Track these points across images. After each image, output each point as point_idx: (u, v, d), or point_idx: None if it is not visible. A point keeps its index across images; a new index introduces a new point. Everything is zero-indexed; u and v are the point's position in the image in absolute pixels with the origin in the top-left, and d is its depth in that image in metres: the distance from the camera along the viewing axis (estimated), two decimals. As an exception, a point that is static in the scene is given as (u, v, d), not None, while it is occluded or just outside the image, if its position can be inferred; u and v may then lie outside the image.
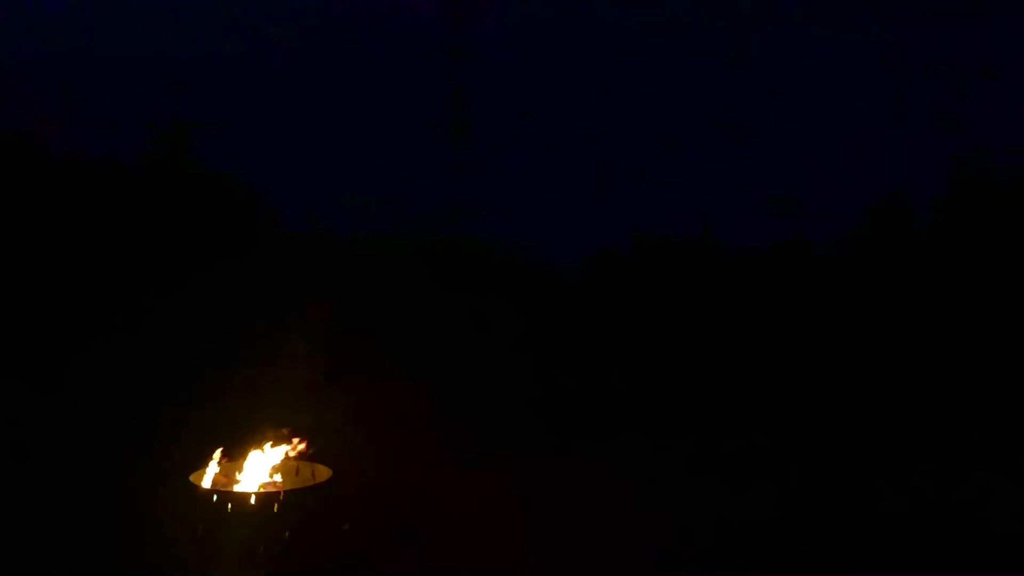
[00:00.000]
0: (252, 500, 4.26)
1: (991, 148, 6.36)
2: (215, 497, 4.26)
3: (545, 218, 7.10)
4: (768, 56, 6.56)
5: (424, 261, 7.00)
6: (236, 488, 4.37)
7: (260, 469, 4.47)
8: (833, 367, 6.50)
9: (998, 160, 6.39)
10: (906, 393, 6.27)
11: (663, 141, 6.86)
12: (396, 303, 6.51)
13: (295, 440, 4.53)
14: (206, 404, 5.19)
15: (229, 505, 4.25)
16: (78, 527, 4.49)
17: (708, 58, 6.69)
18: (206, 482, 4.36)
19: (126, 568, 4.21)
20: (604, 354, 6.72)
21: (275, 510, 4.23)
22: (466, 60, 7.08)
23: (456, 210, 7.16)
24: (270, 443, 4.50)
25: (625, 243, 7.07)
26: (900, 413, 6.14)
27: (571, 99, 7.04)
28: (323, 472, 4.49)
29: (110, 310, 6.19)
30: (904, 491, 5.34)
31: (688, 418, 6.17)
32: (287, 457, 4.49)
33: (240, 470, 4.46)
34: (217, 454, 4.48)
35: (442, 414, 5.82)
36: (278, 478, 4.46)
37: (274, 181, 7.16)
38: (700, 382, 6.56)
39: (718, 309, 6.82)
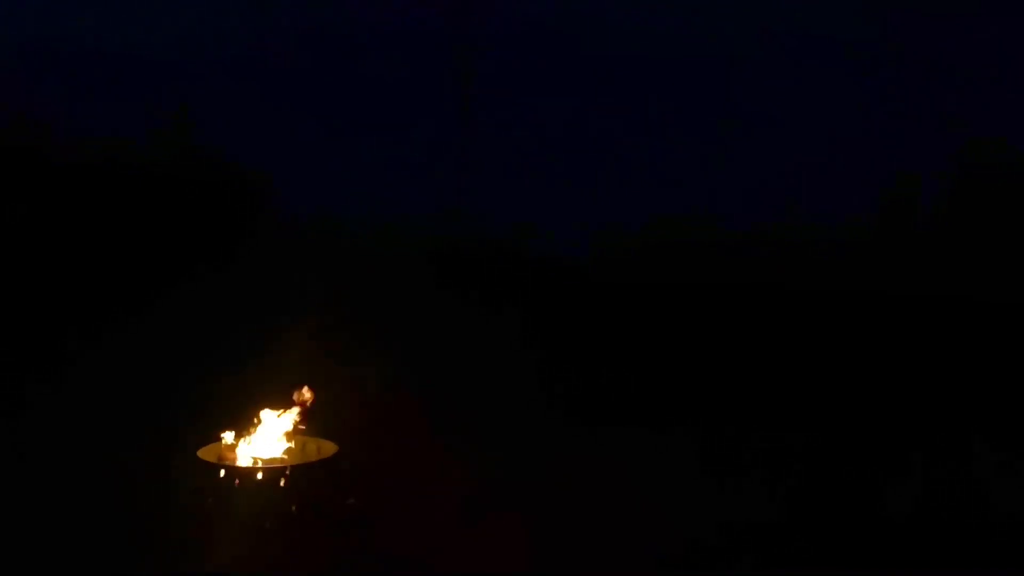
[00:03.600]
0: (259, 475, 4.29)
1: (996, 144, 6.40)
2: (222, 472, 4.29)
3: (547, 211, 7.11)
4: (771, 51, 6.61)
5: (425, 252, 7.03)
6: (243, 463, 4.40)
7: (267, 444, 4.50)
8: (834, 366, 6.52)
9: (1004, 157, 6.43)
10: (906, 392, 6.29)
11: (666, 135, 6.90)
12: (397, 292, 6.53)
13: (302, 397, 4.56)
14: (212, 382, 5.20)
15: (236, 480, 4.28)
16: (85, 504, 4.49)
17: (711, 51, 6.72)
18: (213, 457, 4.39)
19: (133, 543, 4.21)
20: (605, 349, 6.74)
21: (282, 484, 4.26)
22: (471, 51, 7.12)
23: (458, 203, 7.18)
24: (277, 413, 4.53)
25: (627, 237, 7.08)
26: (901, 412, 6.16)
27: (574, 92, 7.08)
28: (328, 447, 4.52)
29: (115, 294, 6.20)
30: (905, 489, 5.35)
31: (690, 416, 6.19)
32: (297, 409, 4.53)
33: (247, 445, 4.48)
34: (225, 430, 4.52)
35: (441, 404, 5.83)
36: (286, 446, 4.50)
37: (276, 169, 7.16)
38: (701, 380, 6.58)
39: (719, 306, 6.85)
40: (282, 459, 4.44)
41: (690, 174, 6.82)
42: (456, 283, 6.72)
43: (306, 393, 4.56)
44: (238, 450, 4.46)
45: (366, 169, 7.06)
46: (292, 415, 4.54)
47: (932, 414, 6.10)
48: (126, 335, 5.80)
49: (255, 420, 4.54)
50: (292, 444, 4.54)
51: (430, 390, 5.87)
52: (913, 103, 6.38)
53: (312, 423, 4.59)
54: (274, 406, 4.56)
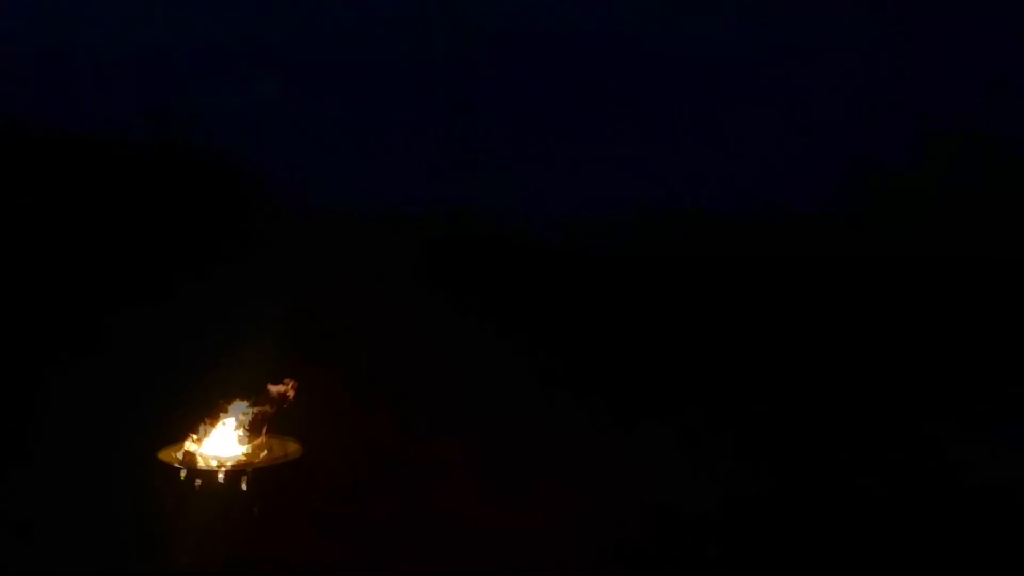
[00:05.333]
0: (220, 476, 4.22)
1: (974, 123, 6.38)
2: (183, 474, 4.23)
3: (539, 202, 7.08)
4: (755, 40, 6.58)
5: (419, 244, 6.96)
6: (206, 464, 4.33)
7: (231, 445, 4.43)
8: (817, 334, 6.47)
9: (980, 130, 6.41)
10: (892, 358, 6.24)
11: (659, 119, 6.87)
12: (388, 281, 6.47)
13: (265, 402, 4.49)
14: (177, 384, 5.11)
15: (197, 481, 4.21)
16: (49, 506, 4.44)
17: (694, 49, 6.72)
18: (175, 459, 4.33)
19: (97, 545, 4.15)
20: (582, 328, 6.68)
21: (243, 486, 4.20)
22: (470, 37, 7.04)
23: (454, 197, 7.14)
24: (240, 413, 4.45)
25: (615, 225, 7.04)
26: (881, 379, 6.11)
27: (571, 80, 7.03)
28: (293, 448, 4.44)
29: (87, 291, 6.12)
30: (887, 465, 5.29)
31: (674, 394, 6.13)
32: (258, 420, 4.45)
33: (211, 447, 4.41)
34: (188, 432, 4.45)
35: (422, 392, 5.77)
36: (250, 446, 4.43)
37: (271, 166, 7.12)
38: (688, 357, 6.51)
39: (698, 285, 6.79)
40: (245, 460, 4.37)
41: (679, 166, 6.78)
42: (448, 274, 6.69)
43: (280, 388, 4.49)
44: (201, 451, 4.39)
45: (363, 164, 7.01)
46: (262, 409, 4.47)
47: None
48: (88, 334, 5.73)
49: (220, 421, 4.47)
50: (257, 444, 4.47)
51: (413, 381, 5.82)
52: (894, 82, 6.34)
53: (280, 423, 4.52)
54: (239, 403, 4.49)
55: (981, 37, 6.40)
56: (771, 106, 6.62)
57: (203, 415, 4.48)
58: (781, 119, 6.57)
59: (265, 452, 4.44)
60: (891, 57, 6.40)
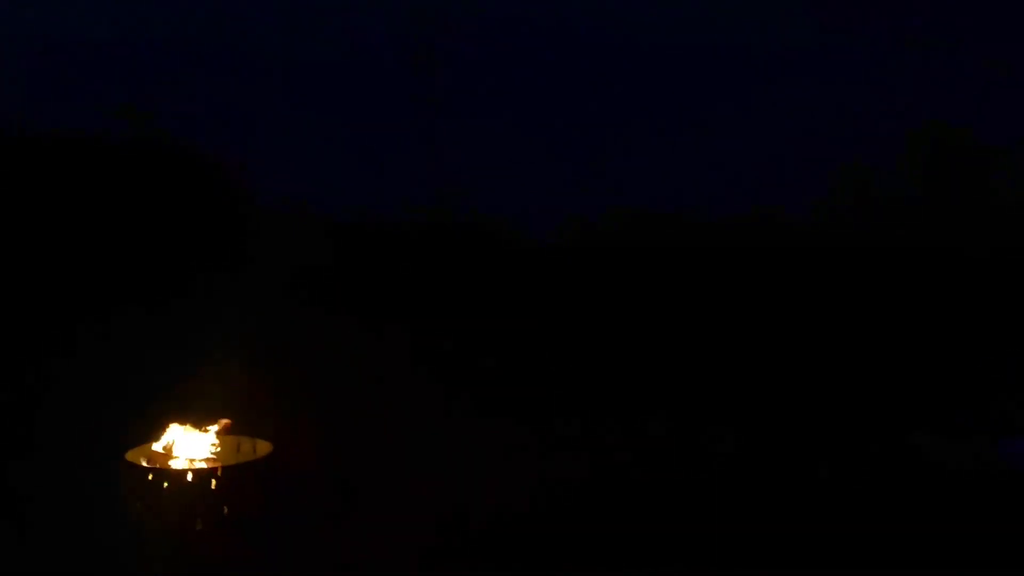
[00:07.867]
0: (189, 477, 4.13)
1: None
2: (150, 475, 4.14)
3: (518, 200, 7.02)
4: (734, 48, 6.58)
5: (393, 241, 6.90)
6: (174, 465, 4.24)
7: (199, 445, 4.34)
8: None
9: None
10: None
11: (634, 129, 6.83)
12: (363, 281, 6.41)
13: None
14: (143, 381, 5.04)
15: (165, 483, 4.12)
16: (13, 510, 4.36)
17: (676, 47, 6.67)
18: (142, 460, 4.24)
19: (62, 550, 4.08)
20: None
21: (213, 486, 4.11)
22: (443, 31, 7.00)
23: (428, 193, 7.07)
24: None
25: (595, 227, 7.00)
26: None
27: (550, 74, 6.98)
28: (264, 447, 4.36)
29: (56, 286, 6.03)
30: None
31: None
32: (220, 429, 4.37)
33: (179, 447, 4.33)
34: (156, 432, 4.37)
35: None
36: (219, 446, 4.35)
37: (240, 159, 7.04)
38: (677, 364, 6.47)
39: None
40: (214, 460, 4.29)
41: (658, 166, 6.74)
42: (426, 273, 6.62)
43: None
44: (170, 452, 4.31)
45: (337, 158, 6.94)
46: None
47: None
48: (57, 330, 5.64)
49: (188, 420, 4.40)
50: (226, 444, 4.39)
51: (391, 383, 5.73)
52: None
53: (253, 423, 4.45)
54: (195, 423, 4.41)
55: (980, 35, 6.41)
56: (770, 105, 6.60)
57: (172, 416, 4.40)
58: (778, 119, 6.56)
59: (236, 451, 4.36)
60: (887, 57, 6.41)
